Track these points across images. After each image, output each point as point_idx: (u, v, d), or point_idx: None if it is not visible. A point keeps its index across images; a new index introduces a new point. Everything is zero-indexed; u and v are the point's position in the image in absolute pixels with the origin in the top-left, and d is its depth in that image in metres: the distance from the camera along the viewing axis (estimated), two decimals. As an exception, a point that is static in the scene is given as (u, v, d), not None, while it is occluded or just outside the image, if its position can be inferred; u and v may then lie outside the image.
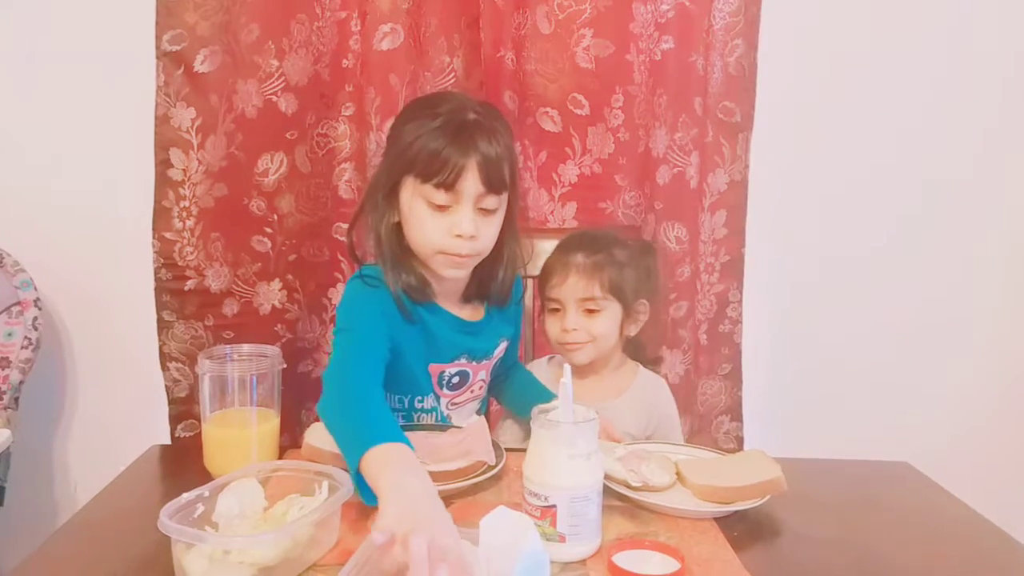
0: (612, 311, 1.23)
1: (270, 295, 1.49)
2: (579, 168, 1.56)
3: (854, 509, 1.02)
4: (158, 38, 1.37)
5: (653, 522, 0.93)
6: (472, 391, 1.25)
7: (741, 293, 1.62)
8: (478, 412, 1.29)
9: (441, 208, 1.09)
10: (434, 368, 1.20)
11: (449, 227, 1.09)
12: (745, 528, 0.93)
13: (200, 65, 1.38)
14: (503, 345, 1.27)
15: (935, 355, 1.76)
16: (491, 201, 1.10)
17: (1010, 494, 1.70)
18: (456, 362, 1.21)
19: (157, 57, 1.37)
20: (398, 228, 1.15)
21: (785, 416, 1.72)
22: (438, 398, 1.22)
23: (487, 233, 1.12)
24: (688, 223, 1.59)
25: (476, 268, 1.18)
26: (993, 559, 0.92)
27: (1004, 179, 1.72)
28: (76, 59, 1.58)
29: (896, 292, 1.74)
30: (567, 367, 0.89)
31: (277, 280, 1.49)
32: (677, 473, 1.03)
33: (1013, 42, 1.67)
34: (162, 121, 1.38)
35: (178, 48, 1.37)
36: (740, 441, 1.64)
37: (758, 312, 1.65)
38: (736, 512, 0.95)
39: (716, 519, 0.94)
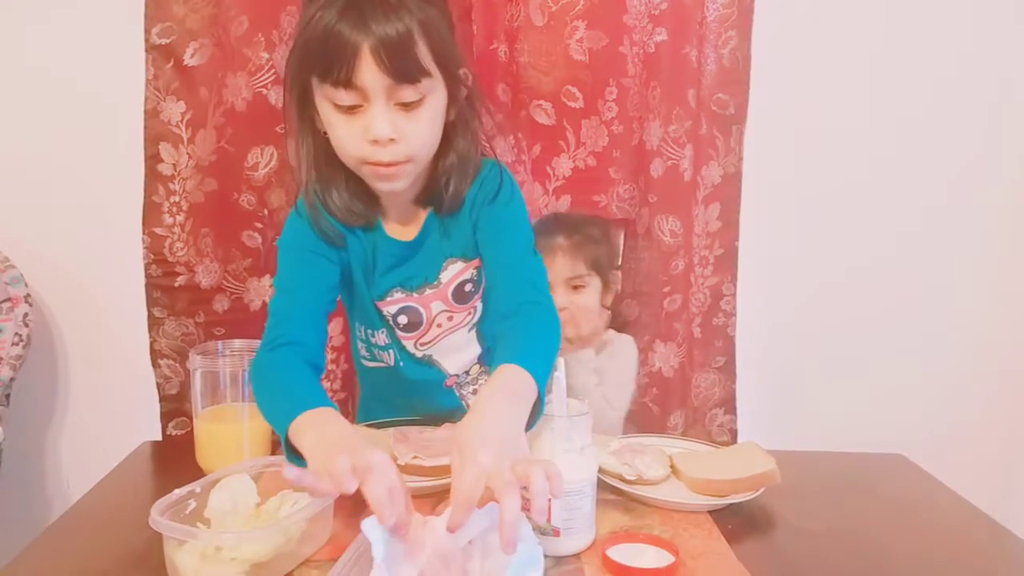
0: (594, 285, 1.34)
1: (261, 291, 1.48)
2: (573, 161, 1.56)
3: (849, 501, 1.02)
4: (147, 31, 1.36)
5: (647, 515, 0.93)
6: (440, 327, 1.10)
7: (735, 286, 1.62)
8: (478, 345, 1.15)
9: (350, 111, 0.92)
10: (379, 305, 1.09)
11: (363, 131, 0.92)
12: (739, 521, 0.92)
13: (190, 58, 1.37)
14: (455, 268, 1.08)
15: (929, 346, 1.76)
16: (408, 93, 0.91)
17: (1004, 485, 1.71)
18: (391, 296, 1.08)
19: (146, 50, 1.36)
20: (326, 139, 0.98)
21: (778, 408, 1.72)
22: (398, 342, 1.12)
23: (414, 132, 0.93)
24: (682, 216, 1.59)
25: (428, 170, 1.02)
26: (987, 550, 0.92)
27: (1001, 171, 1.71)
28: (65, 52, 1.56)
29: (890, 284, 1.74)
30: (561, 360, 0.89)
31: (267, 275, 1.48)
32: (671, 466, 1.02)
33: (1014, 32, 1.66)
34: (152, 115, 1.37)
35: (167, 41, 1.36)
36: (734, 434, 1.64)
37: (752, 305, 1.64)
38: (730, 505, 0.95)
39: (710, 512, 0.94)
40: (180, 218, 1.40)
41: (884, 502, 1.02)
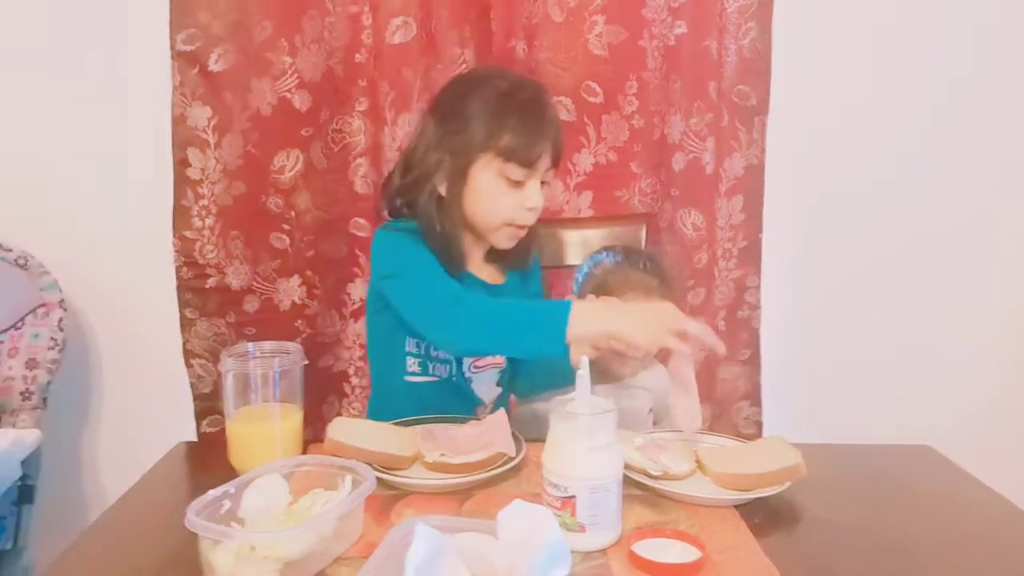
0: None
1: (290, 291, 1.50)
2: (594, 156, 1.56)
3: (876, 494, 1.01)
4: (172, 38, 1.38)
5: (673, 510, 0.93)
6: (494, 357, 1.26)
7: (759, 278, 1.62)
8: (498, 384, 1.28)
9: (518, 184, 1.14)
10: None
11: (520, 200, 1.14)
12: (766, 515, 0.92)
13: (215, 64, 1.39)
14: None
15: (955, 338, 1.74)
16: (550, 174, 1.18)
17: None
18: None
19: (172, 57, 1.38)
20: (452, 199, 1.17)
21: (804, 400, 1.71)
22: (459, 360, 1.23)
23: (542, 203, 1.17)
24: (704, 209, 1.59)
25: None
26: (1017, 541, 0.91)
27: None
28: (93, 61, 1.59)
29: (915, 274, 1.72)
30: (584, 358, 0.89)
31: (296, 276, 1.51)
32: (697, 461, 1.03)
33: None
34: (179, 121, 1.40)
35: (192, 48, 1.39)
36: (759, 426, 1.64)
37: (776, 297, 1.64)
38: (756, 499, 0.95)
39: (736, 507, 0.94)
40: (209, 221, 1.42)
41: (911, 494, 1.02)
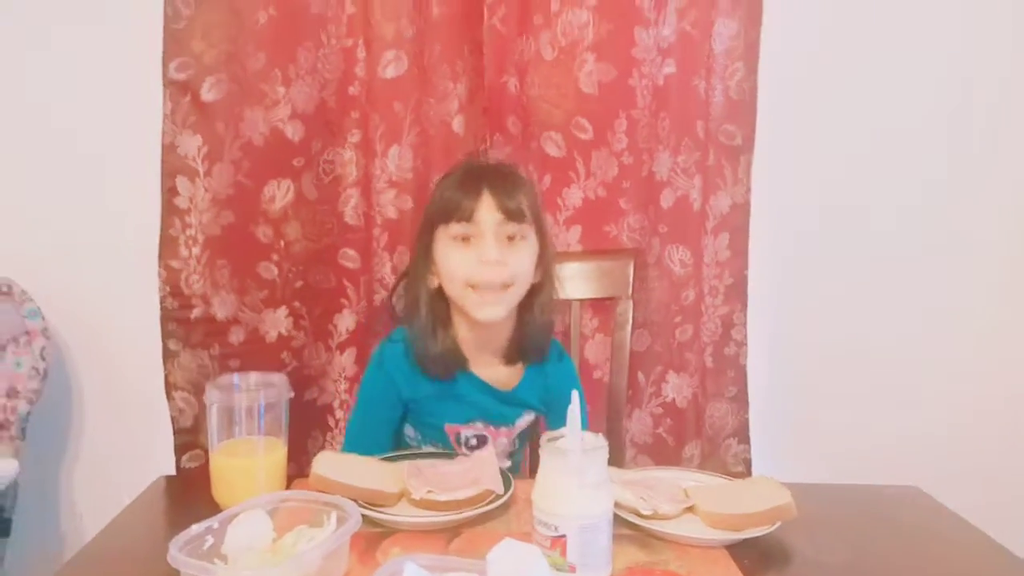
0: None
1: (276, 322, 1.49)
2: (583, 192, 1.57)
3: (865, 534, 1.01)
4: (165, 66, 1.38)
5: (663, 550, 0.93)
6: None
7: (745, 315, 1.62)
8: (510, 470, 1.26)
9: (465, 239, 1.15)
10: (450, 428, 1.23)
11: (476, 256, 1.13)
12: (756, 555, 0.92)
13: (207, 93, 1.39)
14: (527, 418, 1.27)
15: (943, 377, 1.75)
16: (512, 228, 1.15)
17: (1020, 515, 1.69)
18: (472, 424, 1.23)
19: (164, 85, 1.38)
20: (440, 293, 1.20)
21: (791, 437, 1.71)
22: (451, 445, 1.24)
23: (515, 261, 1.15)
24: (692, 246, 1.59)
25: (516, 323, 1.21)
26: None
27: (1008, 193, 1.71)
28: (83, 88, 1.60)
29: (901, 311, 1.74)
30: (574, 393, 0.89)
31: (283, 307, 1.49)
32: (686, 499, 1.02)
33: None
34: (169, 149, 1.39)
35: (185, 76, 1.39)
36: (748, 463, 1.63)
37: (762, 333, 1.64)
38: (747, 539, 0.94)
39: (727, 547, 0.94)
40: (196, 251, 1.41)
41: (901, 535, 1.02)
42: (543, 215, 1.24)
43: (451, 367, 1.20)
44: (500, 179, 1.17)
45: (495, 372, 1.24)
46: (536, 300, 1.21)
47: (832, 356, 1.74)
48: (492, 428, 1.24)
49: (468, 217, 1.14)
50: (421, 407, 1.24)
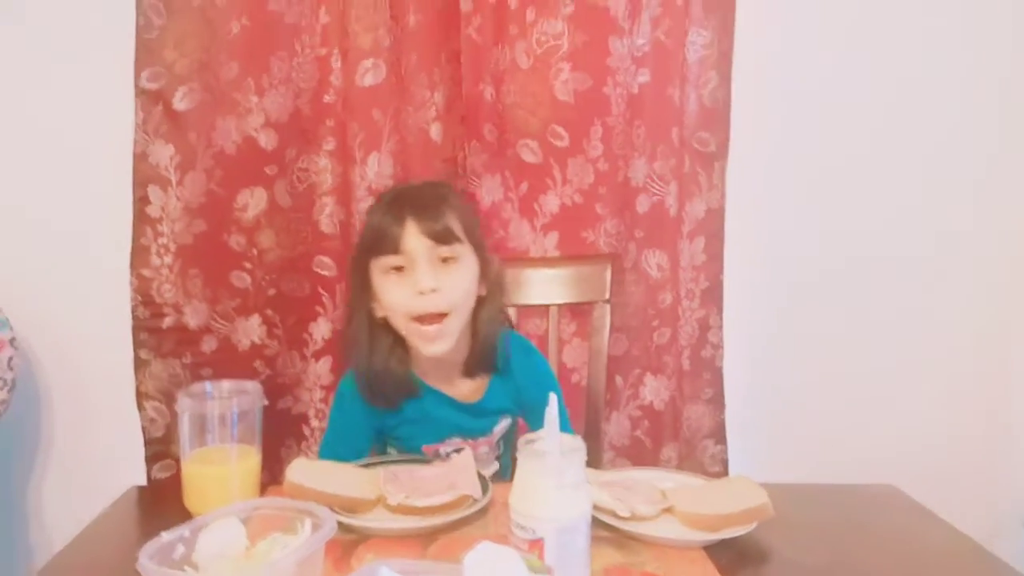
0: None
1: (249, 330, 1.48)
2: (560, 199, 1.57)
3: (842, 534, 1.02)
4: (137, 75, 1.37)
5: (641, 552, 0.92)
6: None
7: (721, 318, 1.63)
8: (500, 473, 1.26)
9: (398, 270, 1.11)
10: (428, 448, 1.21)
11: (412, 286, 1.10)
12: (733, 556, 0.92)
13: (179, 102, 1.39)
14: (503, 424, 1.25)
15: (919, 377, 1.77)
16: (445, 250, 1.11)
17: (994, 513, 1.71)
18: (448, 440, 1.21)
19: (136, 95, 1.37)
20: (386, 322, 1.16)
21: (768, 437, 1.72)
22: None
23: (452, 285, 1.11)
24: (668, 250, 1.61)
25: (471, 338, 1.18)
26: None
27: (993, 201, 1.74)
28: (54, 96, 1.57)
29: (875, 314, 1.75)
30: (553, 395, 0.89)
31: (256, 315, 1.48)
32: (664, 500, 1.02)
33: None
34: (140, 158, 1.39)
35: (157, 86, 1.38)
36: (725, 464, 1.64)
37: (738, 336, 1.65)
38: (724, 540, 0.94)
39: (704, 547, 0.93)
40: (168, 259, 1.40)
41: (877, 534, 1.02)
42: (478, 230, 1.19)
43: (399, 396, 1.18)
44: (424, 203, 1.13)
45: (460, 387, 1.22)
46: (480, 313, 1.19)
47: (807, 357, 1.75)
48: (471, 441, 1.22)
49: (395, 248, 1.10)
50: (393, 433, 1.23)
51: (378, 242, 1.12)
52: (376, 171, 1.49)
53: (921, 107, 1.71)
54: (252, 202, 1.46)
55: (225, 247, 1.44)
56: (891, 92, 1.71)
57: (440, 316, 1.11)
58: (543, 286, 1.44)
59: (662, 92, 1.57)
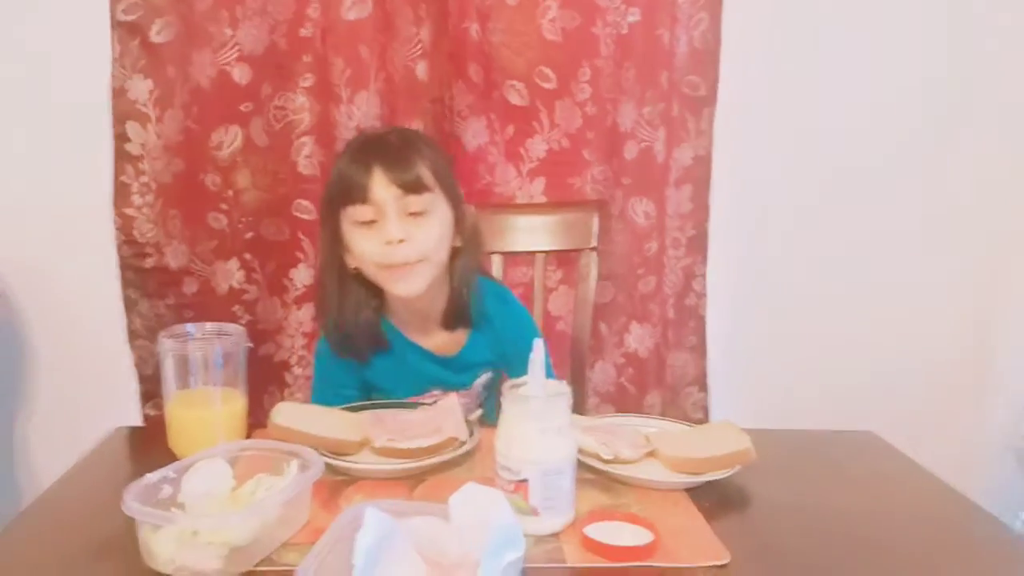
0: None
1: (227, 274, 1.46)
2: (547, 143, 1.55)
3: (822, 478, 1.04)
4: (112, 7, 1.32)
5: (625, 494, 0.93)
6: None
7: (706, 267, 1.64)
8: (482, 418, 1.21)
9: (369, 224, 1.09)
10: (414, 399, 1.19)
11: (381, 238, 1.08)
12: (716, 498, 0.93)
13: (156, 35, 1.34)
14: (485, 376, 1.24)
15: (900, 326, 1.78)
16: (415, 202, 1.09)
17: (974, 462, 1.75)
18: (429, 393, 1.20)
19: (112, 27, 1.32)
20: (359, 273, 1.15)
21: (750, 385, 1.73)
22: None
23: (421, 236, 1.09)
24: (655, 198, 1.60)
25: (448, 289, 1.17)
26: (957, 524, 0.94)
27: (977, 154, 1.72)
28: (30, 31, 1.49)
29: (859, 264, 1.75)
30: (538, 341, 0.88)
31: (234, 259, 1.46)
32: (647, 445, 1.03)
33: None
34: (119, 94, 1.35)
35: (133, 18, 1.34)
36: (707, 411, 1.66)
37: (722, 284, 1.66)
38: (707, 483, 0.96)
39: (687, 490, 0.95)
40: (149, 198, 1.37)
41: (855, 478, 1.04)
42: (450, 178, 1.16)
43: (367, 348, 1.18)
44: (392, 151, 1.11)
45: (438, 340, 1.21)
46: (456, 264, 1.17)
47: (789, 307, 1.75)
48: (449, 392, 1.20)
49: (364, 198, 1.08)
50: (375, 385, 1.22)
51: (346, 192, 1.10)
52: (364, 111, 1.45)
53: (913, 46, 1.68)
54: (227, 140, 1.42)
55: (202, 187, 1.41)
56: (884, 35, 1.68)
57: (409, 263, 1.10)
58: (529, 233, 1.43)
59: (651, 33, 1.54)
